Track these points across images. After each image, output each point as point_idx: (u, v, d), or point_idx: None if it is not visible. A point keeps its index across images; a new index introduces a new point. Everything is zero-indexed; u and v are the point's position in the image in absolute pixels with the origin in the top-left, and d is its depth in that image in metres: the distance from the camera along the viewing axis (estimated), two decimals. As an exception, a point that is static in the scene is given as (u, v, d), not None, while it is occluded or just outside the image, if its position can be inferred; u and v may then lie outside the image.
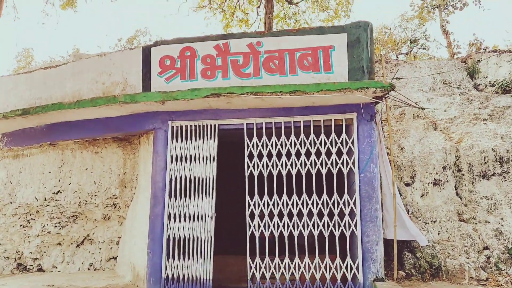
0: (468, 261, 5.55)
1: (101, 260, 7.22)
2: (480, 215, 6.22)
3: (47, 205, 6.83)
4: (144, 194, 6.05)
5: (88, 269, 7.27)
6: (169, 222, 5.47)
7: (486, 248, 5.88)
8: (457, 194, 6.50)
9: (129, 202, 6.74)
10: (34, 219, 7.08)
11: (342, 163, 5.30)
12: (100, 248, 7.22)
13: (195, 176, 5.55)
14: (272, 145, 5.48)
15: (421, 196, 6.07)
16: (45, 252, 7.24)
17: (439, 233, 5.92)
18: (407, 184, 6.11)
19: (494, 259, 5.74)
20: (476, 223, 6.16)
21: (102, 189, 6.71)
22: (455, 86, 9.19)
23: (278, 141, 5.47)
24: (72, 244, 7.21)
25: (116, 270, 7.08)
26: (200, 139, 5.63)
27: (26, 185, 6.92)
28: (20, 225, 7.19)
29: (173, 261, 5.37)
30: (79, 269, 7.25)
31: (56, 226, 7.01)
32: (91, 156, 6.73)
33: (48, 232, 7.07)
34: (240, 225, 8.26)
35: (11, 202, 6.99)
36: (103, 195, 6.74)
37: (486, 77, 9.29)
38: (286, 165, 5.41)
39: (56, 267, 7.28)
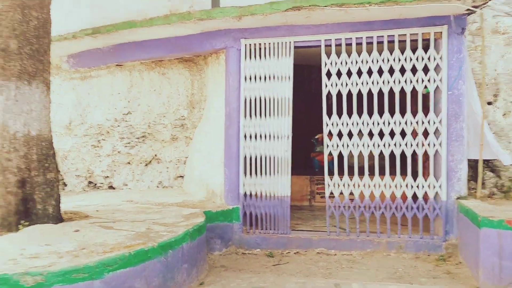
0: (551, 181, 5.46)
1: (169, 178, 7.55)
2: None
3: (118, 126, 7.05)
4: (215, 114, 6.11)
5: (157, 186, 7.65)
6: (245, 142, 5.55)
7: None
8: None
9: (197, 122, 6.85)
10: (104, 140, 7.37)
11: (429, 80, 5.10)
12: (168, 168, 7.52)
13: (270, 96, 5.51)
14: (352, 62, 5.30)
15: (504, 115, 5.84)
16: (115, 170, 7.62)
17: (521, 153, 5.80)
18: (489, 103, 5.87)
19: None
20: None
21: (170, 110, 6.82)
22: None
23: (359, 57, 5.27)
24: (141, 163, 7.53)
25: (184, 188, 7.42)
26: (274, 57, 5.50)
27: (96, 106, 7.12)
28: (91, 145, 7.52)
29: (250, 178, 5.53)
30: (148, 186, 7.64)
31: (126, 146, 7.29)
32: (158, 77, 6.76)
33: (118, 152, 7.38)
34: (301, 147, 8.33)
35: (82, 123, 7.25)
36: (172, 116, 6.86)
37: None
38: (367, 83, 5.25)
39: (127, 185, 7.69)
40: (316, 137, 8.27)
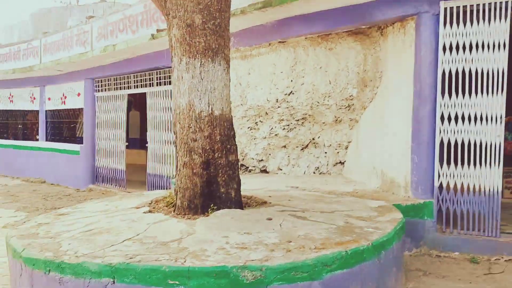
0: None
1: (327, 164, 7.08)
2: None
3: (278, 107, 6.75)
4: (395, 93, 5.39)
5: (313, 172, 7.23)
6: (442, 125, 4.74)
7: None
8: None
9: (367, 103, 6.21)
10: (262, 122, 7.16)
11: None
12: (326, 152, 7.05)
13: (476, 69, 4.60)
14: None
15: None
16: (270, 154, 7.39)
17: None
18: None
19: None
20: None
21: (337, 90, 6.29)
22: None
23: None
24: (297, 147, 7.17)
25: (344, 175, 6.88)
26: (484, 22, 4.56)
27: (256, 87, 6.91)
28: (248, 127, 7.37)
29: (448, 168, 4.73)
30: (304, 172, 7.26)
31: (284, 129, 6.98)
32: (324, 53, 6.26)
33: (275, 135, 7.11)
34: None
35: (241, 104, 7.12)
36: (338, 96, 6.32)
37: None
38: None
39: (281, 169, 7.42)
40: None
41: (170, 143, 8.37)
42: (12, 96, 14.05)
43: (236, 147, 4.68)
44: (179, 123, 4.43)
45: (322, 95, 6.36)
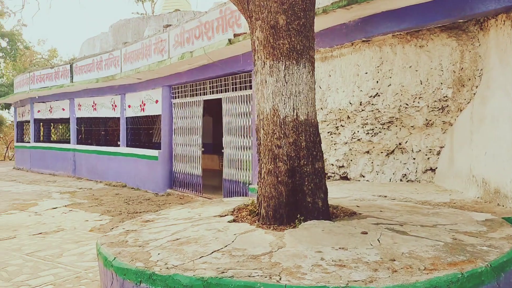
0: None
1: (415, 171, 6.58)
2: None
3: (362, 110, 6.39)
4: (501, 93, 4.83)
5: (400, 180, 6.76)
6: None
7: None
8: None
9: (464, 104, 5.66)
10: (343, 126, 6.84)
11: None
12: (414, 158, 6.56)
13: None
14: None
15: None
16: (351, 160, 7.03)
17: None
18: None
19: None
20: None
21: (429, 90, 5.80)
22: None
23: None
24: (381, 153, 6.75)
25: (436, 183, 6.34)
26: None
27: (337, 89, 6.61)
28: (328, 132, 7.09)
29: None
30: (389, 179, 6.81)
31: (367, 133, 6.60)
32: (414, 51, 5.81)
33: (358, 140, 6.75)
34: None
35: (321, 108, 6.86)
36: (430, 97, 5.84)
37: None
38: None
39: (363, 176, 7.03)
40: None
41: (246, 149, 8.31)
42: (95, 104, 14.93)
43: (322, 154, 4.44)
44: (263, 129, 4.28)
45: (411, 96, 5.90)
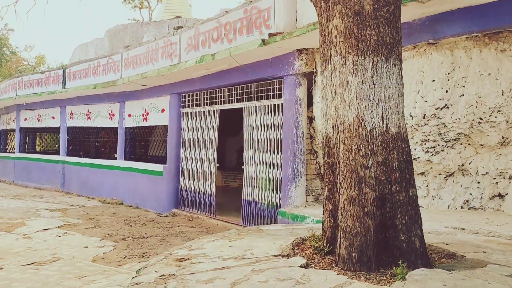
0: None
1: (481, 197, 5.70)
2: None
3: (425, 124, 5.52)
4: None
5: (461, 207, 5.87)
6: None
7: None
8: None
9: (557, 120, 4.81)
10: (396, 143, 5.93)
11: None
12: (479, 182, 5.69)
13: None
14: None
15: None
16: (401, 183, 6.10)
17: None
18: None
19: None
20: None
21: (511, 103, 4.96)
22: None
23: None
24: (440, 174, 5.88)
25: (506, 211, 5.47)
26: None
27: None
28: (375, 150, 6.17)
29: None
30: (448, 206, 5.92)
31: (427, 152, 5.72)
32: (494, 55, 4.98)
33: (414, 159, 5.84)
34: None
35: (371, 121, 5.94)
36: (512, 110, 4.98)
37: None
38: None
39: (415, 202, 6.09)
40: None
41: (273, 166, 7.34)
42: (90, 112, 13.86)
43: (414, 178, 3.51)
44: (344, 143, 3.35)
45: (489, 109, 5.05)
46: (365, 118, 3.31)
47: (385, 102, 3.36)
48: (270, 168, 7.42)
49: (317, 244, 3.67)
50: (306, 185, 7.03)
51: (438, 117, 5.36)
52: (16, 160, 17.13)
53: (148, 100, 11.17)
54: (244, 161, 8.04)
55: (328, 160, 3.65)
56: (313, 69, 6.78)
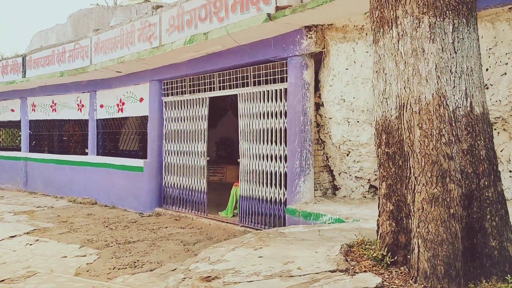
0: None
1: (514, 188, 5.19)
2: None
3: (459, 109, 4.92)
4: None
5: None
6: None
7: None
8: None
9: None
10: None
11: None
12: (511, 171, 5.19)
13: None
14: None
15: None
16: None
17: None
18: None
19: None
20: None
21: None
22: None
23: None
24: (467, 165, 5.30)
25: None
26: None
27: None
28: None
29: None
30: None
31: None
32: (543, 28, 4.42)
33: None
34: None
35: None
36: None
37: None
38: None
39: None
40: None
41: (276, 159, 6.61)
42: (55, 104, 12.64)
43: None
44: (420, 128, 2.67)
45: (534, 90, 4.52)
46: (447, 95, 2.65)
47: (468, 75, 2.71)
48: (271, 160, 6.68)
49: (375, 254, 3.00)
50: (314, 179, 6.36)
51: (475, 100, 4.79)
52: (-29, 158, 15.60)
53: (123, 88, 10.15)
54: (240, 154, 7.27)
55: (387, 150, 2.98)
56: (323, 48, 6.07)
